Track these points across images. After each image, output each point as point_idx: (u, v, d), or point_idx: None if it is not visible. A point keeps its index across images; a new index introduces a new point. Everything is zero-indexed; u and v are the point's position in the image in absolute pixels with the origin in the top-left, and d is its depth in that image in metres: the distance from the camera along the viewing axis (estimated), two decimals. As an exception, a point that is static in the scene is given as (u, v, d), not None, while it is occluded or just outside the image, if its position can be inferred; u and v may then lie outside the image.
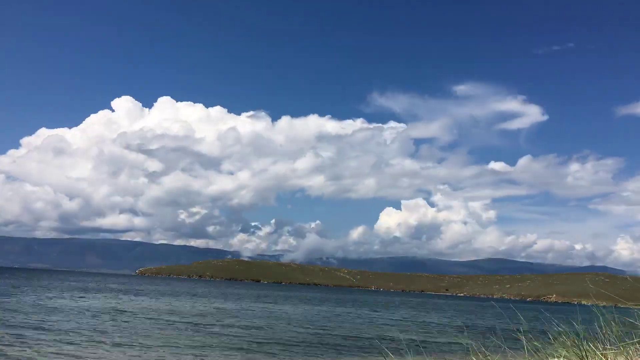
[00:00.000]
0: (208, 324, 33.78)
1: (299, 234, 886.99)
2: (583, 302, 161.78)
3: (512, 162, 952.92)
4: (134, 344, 22.93)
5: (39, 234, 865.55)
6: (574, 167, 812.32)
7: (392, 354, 8.47)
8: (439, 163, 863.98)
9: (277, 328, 34.64)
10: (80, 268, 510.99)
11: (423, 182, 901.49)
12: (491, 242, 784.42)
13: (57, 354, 19.77)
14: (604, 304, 8.47)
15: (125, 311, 39.29)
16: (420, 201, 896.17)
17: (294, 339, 28.96)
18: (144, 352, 21.33)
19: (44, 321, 29.30)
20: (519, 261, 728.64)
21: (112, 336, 24.73)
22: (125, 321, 32.33)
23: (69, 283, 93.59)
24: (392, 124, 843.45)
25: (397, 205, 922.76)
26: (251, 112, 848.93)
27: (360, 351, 25.83)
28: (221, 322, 35.67)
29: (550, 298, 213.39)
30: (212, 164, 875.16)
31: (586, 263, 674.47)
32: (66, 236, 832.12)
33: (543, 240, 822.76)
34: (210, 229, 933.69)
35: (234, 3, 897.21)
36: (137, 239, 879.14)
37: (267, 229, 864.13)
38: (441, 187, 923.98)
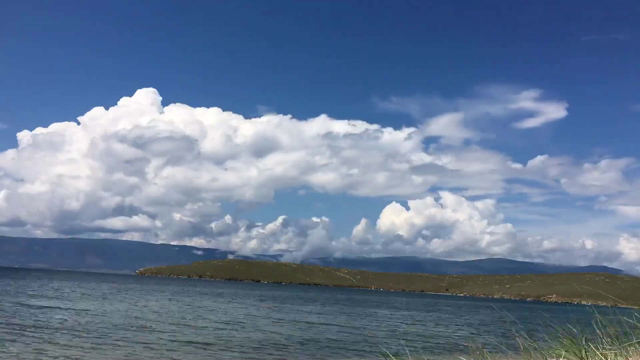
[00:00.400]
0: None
1: (301, 233, 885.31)
2: (583, 302, 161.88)
3: (523, 161, 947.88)
4: None
5: (39, 234, 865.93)
6: (586, 166, 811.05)
7: (392, 354, 8.46)
8: (448, 163, 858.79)
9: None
10: (80, 268, 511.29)
11: (429, 181, 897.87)
12: (493, 242, 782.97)
13: None
14: (604, 304, 8.46)
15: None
16: (425, 200, 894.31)
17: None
18: None
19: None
20: (519, 261, 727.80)
21: None
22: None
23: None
24: (403, 123, 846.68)
25: (403, 204, 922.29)
26: (259, 113, 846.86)
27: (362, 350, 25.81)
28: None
29: (550, 298, 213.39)
30: (214, 163, 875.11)
31: (587, 263, 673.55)
32: (66, 236, 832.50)
33: (545, 240, 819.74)
34: (211, 228, 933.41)
35: (248, 6, 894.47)
36: (137, 239, 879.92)
37: (268, 228, 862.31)
38: (446, 186, 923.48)
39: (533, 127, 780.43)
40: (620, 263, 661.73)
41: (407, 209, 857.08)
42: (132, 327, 28.98)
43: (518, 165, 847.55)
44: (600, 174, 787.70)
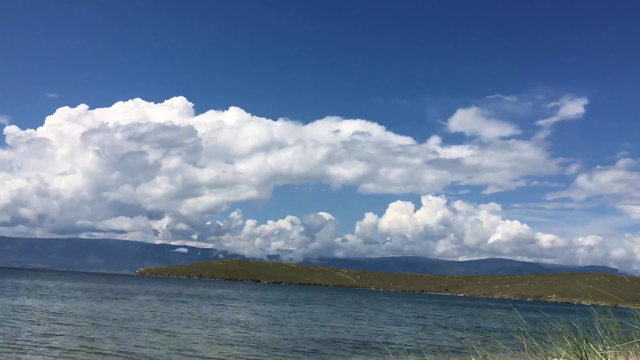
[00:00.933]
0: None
1: (302, 232, 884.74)
2: (583, 302, 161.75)
3: (538, 158, 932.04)
4: None
5: (39, 234, 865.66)
6: (601, 166, 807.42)
7: (392, 354, 8.48)
8: (458, 163, 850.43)
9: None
10: (80, 268, 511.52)
11: (437, 180, 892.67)
12: (495, 242, 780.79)
13: None
14: (604, 304, 8.47)
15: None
16: (428, 199, 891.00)
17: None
18: None
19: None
20: (519, 261, 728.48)
21: None
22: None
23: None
24: (420, 121, 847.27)
25: (411, 202, 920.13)
26: (269, 111, 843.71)
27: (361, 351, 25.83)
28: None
29: (550, 298, 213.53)
30: (216, 163, 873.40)
31: (587, 263, 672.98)
32: (66, 236, 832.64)
33: (547, 240, 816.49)
34: (210, 228, 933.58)
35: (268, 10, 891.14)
36: (137, 239, 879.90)
37: (268, 228, 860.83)
38: (456, 185, 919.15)
39: (552, 124, 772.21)
40: (620, 263, 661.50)
41: (413, 207, 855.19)
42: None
43: (532, 163, 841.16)
44: (611, 174, 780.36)
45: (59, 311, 35.30)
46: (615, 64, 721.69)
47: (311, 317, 45.80)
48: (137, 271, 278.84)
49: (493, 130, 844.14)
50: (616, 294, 9.98)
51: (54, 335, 23.75)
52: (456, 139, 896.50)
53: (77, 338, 23.19)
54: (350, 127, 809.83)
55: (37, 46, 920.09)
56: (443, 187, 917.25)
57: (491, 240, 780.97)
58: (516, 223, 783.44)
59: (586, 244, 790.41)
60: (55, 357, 18.71)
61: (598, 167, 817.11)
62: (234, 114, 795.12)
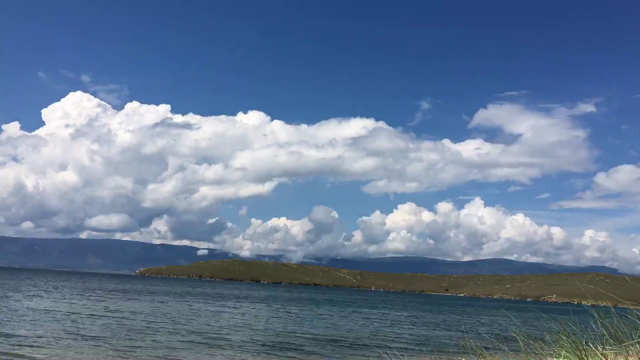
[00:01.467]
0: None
1: (302, 233, 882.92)
2: (583, 303, 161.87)
3: (548, 158, 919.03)
4: None
5: (39, 234, 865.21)
6: (617, 166, 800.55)
7: (392, 354, 8.46)
8: (470, 161, 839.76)
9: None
10: (80, 268, 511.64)
11: (446, 181, 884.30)
12: (495, 242, 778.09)
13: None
14: (604, 304, 8.45)
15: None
16: (430, 199, 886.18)
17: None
18: None
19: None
20: (519, 261, 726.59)
21: None
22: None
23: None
24: (432, 124, 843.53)
25: (415, 203, 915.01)
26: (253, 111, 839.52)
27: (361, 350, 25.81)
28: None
29: (550, 298, 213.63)
30: (217, 162, 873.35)
31: (588, 263, 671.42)
32: (66, 236, 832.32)
33: (548, 240, 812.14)
34: (210, 228, 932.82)
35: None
36: (137, 239, 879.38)
37: (268, 228, 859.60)
38: (457, 186, 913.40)
39: (572, 121, 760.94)
40: (622, 263, 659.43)
41: (419, 207, 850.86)
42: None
43: (548, 161, 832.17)
44: (632, 172, 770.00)
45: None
46: (633, 61, 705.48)
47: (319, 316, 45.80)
48: (137, 271, 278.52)
49: (509, 128, 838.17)
50: (616, 294, 9.97)
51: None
52: (470, 136, 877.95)
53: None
54: (359, 125, 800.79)
55: (41, 36, 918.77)
56: (453, 185, 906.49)
57: (496, 240, 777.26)
58: (522, 222, 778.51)
59: (589, 243, 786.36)
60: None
61: (616, 165, 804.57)
62: (239, 114, 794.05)
